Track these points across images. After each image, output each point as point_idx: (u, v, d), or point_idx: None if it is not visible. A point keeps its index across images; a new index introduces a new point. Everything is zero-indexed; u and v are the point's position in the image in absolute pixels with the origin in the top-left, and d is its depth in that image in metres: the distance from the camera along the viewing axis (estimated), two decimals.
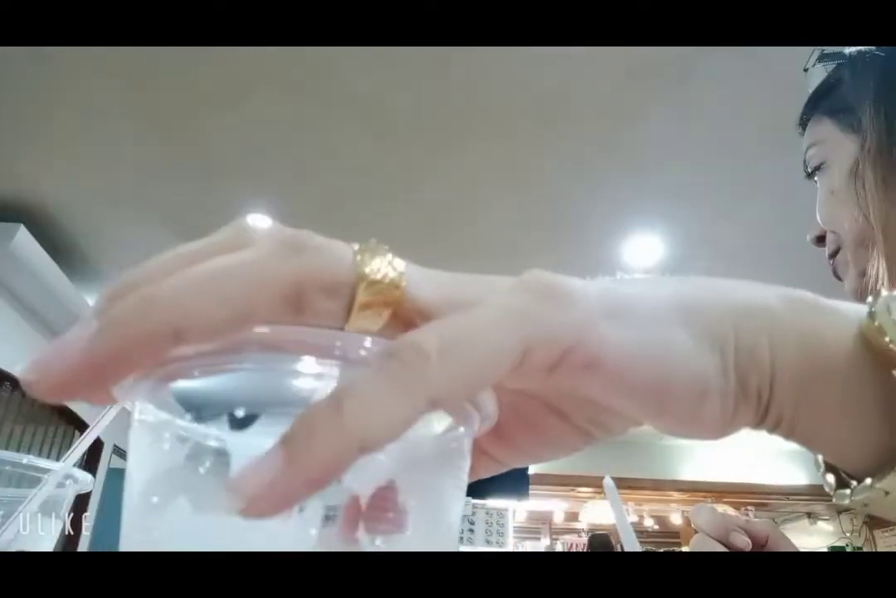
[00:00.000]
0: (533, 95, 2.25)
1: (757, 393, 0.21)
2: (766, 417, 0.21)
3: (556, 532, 7.92)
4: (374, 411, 0.14)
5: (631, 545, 0.45)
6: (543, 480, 6.18)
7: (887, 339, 0.20)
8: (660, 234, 2.99)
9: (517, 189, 2.73)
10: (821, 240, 0.62)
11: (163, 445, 0.17)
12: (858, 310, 0.22)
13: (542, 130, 2.40)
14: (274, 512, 0.13)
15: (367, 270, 0.17)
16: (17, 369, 0.15)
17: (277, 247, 0.17)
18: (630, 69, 2.10)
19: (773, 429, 0.22)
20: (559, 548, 7.27)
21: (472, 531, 5.95)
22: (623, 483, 5.88)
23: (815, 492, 5.72)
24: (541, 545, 7.72)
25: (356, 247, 0.18)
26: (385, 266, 0.17)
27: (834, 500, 0.24)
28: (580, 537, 7.53)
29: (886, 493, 0.21)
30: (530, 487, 6.02)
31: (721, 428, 0.21)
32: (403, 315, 0.18)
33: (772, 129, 2.23)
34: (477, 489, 5.96)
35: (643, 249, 3.09)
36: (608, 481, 0.46)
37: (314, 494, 0.14)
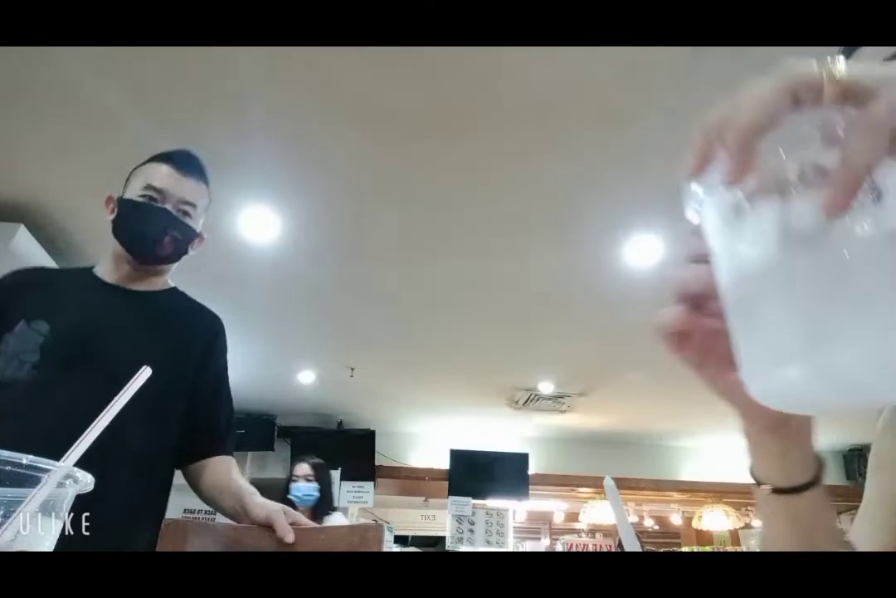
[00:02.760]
0: (532, 95, 2.25)
1: None
2: None
3: (556, 532, 7.93)
4: None
5: (631, 545, 0.45)
6: (543, 480, 6.18)
7: None
8: (660, 234, 3.00)
9: (517, 189, 2.73)
10: None
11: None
12: None
13: (542, 130, 2.40)
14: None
15: (831, 69, 0.28)
16: None
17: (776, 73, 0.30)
18: (630, 69, 2.10)
19: None
20: (559, 548, 7.27)
21: (472, 531, 5.96)
22: (623, 483, 5.88)
23: None
24: (541, 545, 7.73)
25: (818, 61, 0.29)
26: (837, 67, 0.28)
27: None
28: (580, 537, 7.54)
29: None
30: (530, 487, 6.02)
31: None
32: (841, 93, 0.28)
33: None
34: (477, 490, 5.96)
35: (643, 249, 3.10)
36: (608, 482, 0.46)
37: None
